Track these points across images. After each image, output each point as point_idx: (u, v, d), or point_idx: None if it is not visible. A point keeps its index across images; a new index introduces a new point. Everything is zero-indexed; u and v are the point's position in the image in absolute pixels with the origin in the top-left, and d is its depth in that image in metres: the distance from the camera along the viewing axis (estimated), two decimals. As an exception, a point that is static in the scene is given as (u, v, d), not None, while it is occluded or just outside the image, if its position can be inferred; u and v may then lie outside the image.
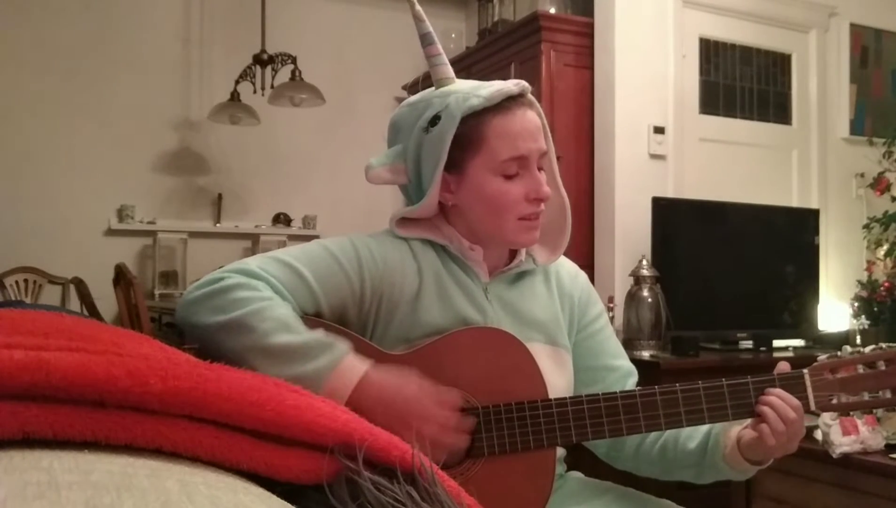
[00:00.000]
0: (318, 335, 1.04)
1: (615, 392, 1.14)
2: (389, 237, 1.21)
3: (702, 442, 1.17)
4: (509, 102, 1.16)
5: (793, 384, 1.13)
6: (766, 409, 1.10)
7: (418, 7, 1.24)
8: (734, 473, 1.15)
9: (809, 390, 1.13)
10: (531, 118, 1.18)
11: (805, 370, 1.14)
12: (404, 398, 1.04)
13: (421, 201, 1.18)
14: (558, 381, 1.19)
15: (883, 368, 1.14)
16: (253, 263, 1.10)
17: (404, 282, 1.16)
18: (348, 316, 1.15)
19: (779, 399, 1.10)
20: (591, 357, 1.28)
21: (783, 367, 1.15)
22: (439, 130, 1.15)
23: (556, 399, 1.13)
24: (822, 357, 1.18)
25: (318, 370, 1.00)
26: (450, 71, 1.23)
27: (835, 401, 1.14)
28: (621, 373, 1.28)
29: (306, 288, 1.10)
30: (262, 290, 1.06)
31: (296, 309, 1.09)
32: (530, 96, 1.21)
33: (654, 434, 1.21)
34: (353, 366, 1.03)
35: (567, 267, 1.33)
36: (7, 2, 4.22)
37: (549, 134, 1.24)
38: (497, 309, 1.21)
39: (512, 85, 1.17)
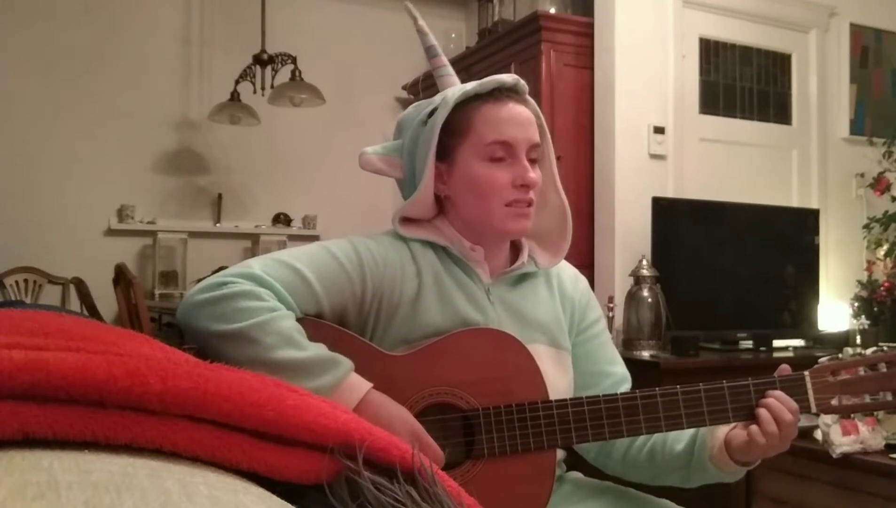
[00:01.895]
0: (322, 351, 1.05)
1: (615, 394, 1.14)
2: (389, 239, 1.22)
3: (688, 444, 1.16)
4: (501, 92, 1.19)
5: (794, 387, 1.13)
6: (761, 411, 1.10)
7: (421, 22, 1.26)
8: (722, 474, 1.15)
9: (810, 392, 1.13)
10: (521, 110, 1.20)
11: (806, 373, 1.14)
12: (401, 420, 1.04)
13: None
14: (560, 383, 1.20)
15: (884, 370, 1.14)
16: (256, 265, 1.10)
17: (404, 283, 1.17)
18: (348, 317, 1.15)
19: (776, 402, 1.10)
20: (587, 362, 1.28)
21: (785, 370, 1.15)
22: (433, 119, 1.18)
23: (556, 401, 1.13)
24: (824, 359, 1.18)
25: (319, 389, 0.99)
26: (455, 81, 1.27)
27: (835, 403, 1.14)
28: (616, 379, 1.28)
29: (308, 290, 1.11)
30: (267, 299, 1.06)
31: (297, 313, 1.09)
32: (527, 97, 1.23)
33: (641, 440, 1.22)
34: (354, 387, 1.03)
35: (568, 271, 1.34)
36: (7, 2, 4.22)
37: (548, 135, 1.25)
38: (499, 310, 1.21)
39: (506, 76, 1.20)
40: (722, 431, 1.14)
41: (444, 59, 1.27)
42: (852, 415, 1.99)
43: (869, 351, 1.17)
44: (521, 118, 1.19)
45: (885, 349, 1.17)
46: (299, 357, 1.02)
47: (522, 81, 1.22)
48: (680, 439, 1.18)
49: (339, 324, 1.14)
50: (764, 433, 1.08)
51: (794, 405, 1.11)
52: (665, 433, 1.19)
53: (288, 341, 1.03)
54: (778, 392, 1.11)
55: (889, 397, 1.14)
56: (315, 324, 1.10)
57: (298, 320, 1.09)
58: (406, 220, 1.22)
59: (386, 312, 1.16)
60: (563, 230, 1.27)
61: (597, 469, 1.32)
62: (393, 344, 1.15)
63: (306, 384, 0.99)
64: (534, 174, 1.18)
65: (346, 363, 1.05)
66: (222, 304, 1.04)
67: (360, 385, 1.04)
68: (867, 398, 1.14)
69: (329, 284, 1.12)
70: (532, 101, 1.23)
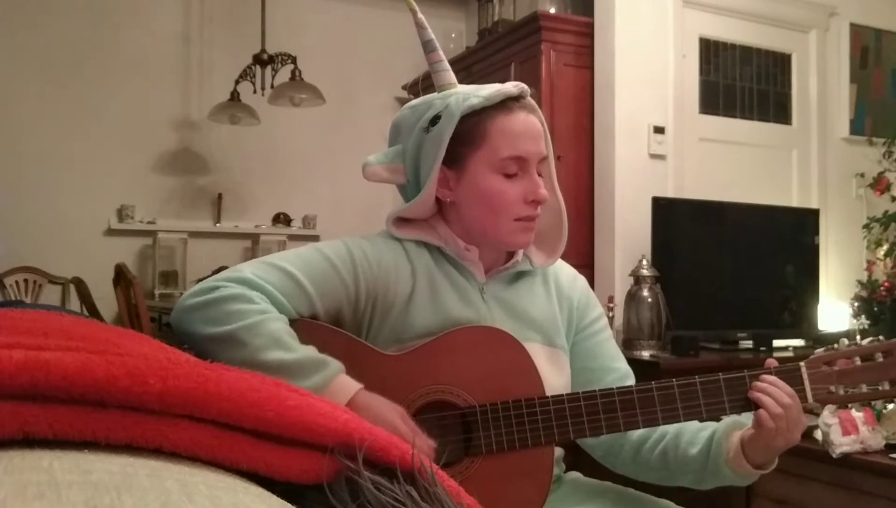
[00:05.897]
0: (311, 352, 1.04)
1: (612, 389, 1.14)
2: (383, 239, 1.21)
3: (704, 448, 1.16)
4: (510, 102, 1.18)
5: (789, 377, 1.13)
6: (760, 395, 1.10)
7: (420, 15, 1.25)
8: (737, 478, 1.15)
9: (807, 382, 1.13)
10: (533, 122, 1.19)
11: (801, 363, 1.14)
12: (384, 423, 1.03)
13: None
14: (556, 382, 1.19)
15: (881, 360, 1.14)
16: (248, 270, 1.10)
17: (398, 284, 1.17)
18: (343, 317, 1.15)
19: (771, 385, 1.10)
20: (589, 359, 1.28)
21: (771, 364, 1.15)
22: (439, 128, 1.16)
23: (553, 396, 1.13)
24: (819, 351, 1.17)
25: (308, 389, 0.99)
26: (452, 77, 1.25)
27: (833, 392, 1.13)
28: (618, 375, 1.28)
29: (302, 292, 1.11)
30: (258, 302, 1.06)
31: (291, 315, 1.09)
32: (531, 101, 1.21)
33: (652, 441, 1.21)
34: (343, 387, 1.03)
35: (566, 271, 1.34)
36: (8, 2, 4.22)
37: (549, 139, 1.24)
38: (493, 309, 1.21)
39: (511, 87, 1.19)
40: (737, 435, 1.14)
41: (441, 55, 1.26)
42: (850, 406, 1.98)
43: (865, 342, 1.16)
44: (534, 131, 1.18)
45: (881, 339, 1.17)
46: (287, 359, 1.02)
47: (526, 87, 1.21)
48: (694, 442, 1.17)
49: (335, 325, 1.14)
50: (772, 416, 1.08)
51: (789, 388, 1.10)
52: (678, 436, 1.19)
53: (276, 342, 1.03)
54: (771, 377, 1.12)
55: (887, 386, 1.13)
56: (310, 325, 1.11)
57: (293, 321, 1.09)
58: (400, 220, 1.22)
59: (380, 312, 1.16)
60: (560, 230, 1.27)
61: (597, 469, 1.32)
62: (386, 344, 1.15)
63: (294, 384, 0.98)
64: (544, 191, 1.18)
65: (335, 364, 1.05)
66: (213, 307, 1.05)
67: (348, 387, 1.04)
68: (864, 388, 1.14)
69: (322, 286, 1.12)
70: (536, 106, 1.22)
